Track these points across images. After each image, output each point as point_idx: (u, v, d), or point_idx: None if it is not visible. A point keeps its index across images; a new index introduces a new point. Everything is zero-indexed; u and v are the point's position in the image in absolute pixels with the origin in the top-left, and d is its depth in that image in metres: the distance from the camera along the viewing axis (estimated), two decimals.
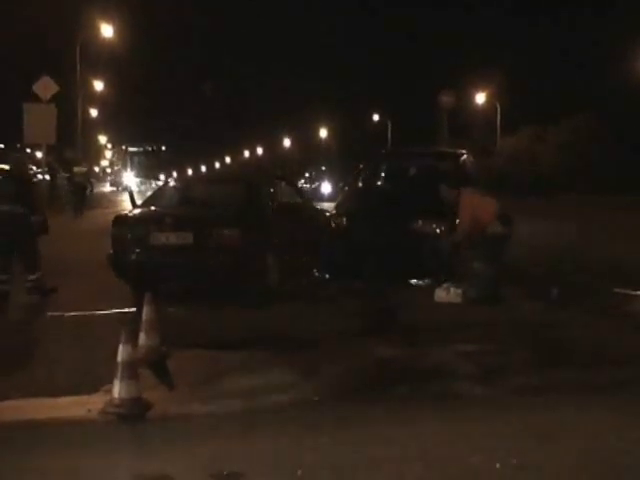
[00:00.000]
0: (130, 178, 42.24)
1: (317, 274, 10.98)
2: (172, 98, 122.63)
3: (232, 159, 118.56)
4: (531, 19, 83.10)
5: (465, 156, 13.47)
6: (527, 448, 4.60)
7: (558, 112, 54.51)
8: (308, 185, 47.97)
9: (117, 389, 5.26)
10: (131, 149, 46.23)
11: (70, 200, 29.70)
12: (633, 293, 9.34)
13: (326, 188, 48.47)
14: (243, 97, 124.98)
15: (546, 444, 4.68)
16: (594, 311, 8.74)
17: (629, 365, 6.59)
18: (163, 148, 48.35)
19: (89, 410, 5.28)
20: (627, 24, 43.95)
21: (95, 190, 45.81)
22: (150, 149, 47.62)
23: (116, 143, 61.30)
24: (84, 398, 5.54)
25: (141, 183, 40.13)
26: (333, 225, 11.44)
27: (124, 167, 43.16)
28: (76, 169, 32.61)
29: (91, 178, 39.10)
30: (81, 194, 30.39)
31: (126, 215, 10.03)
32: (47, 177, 31.26)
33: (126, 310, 8.49)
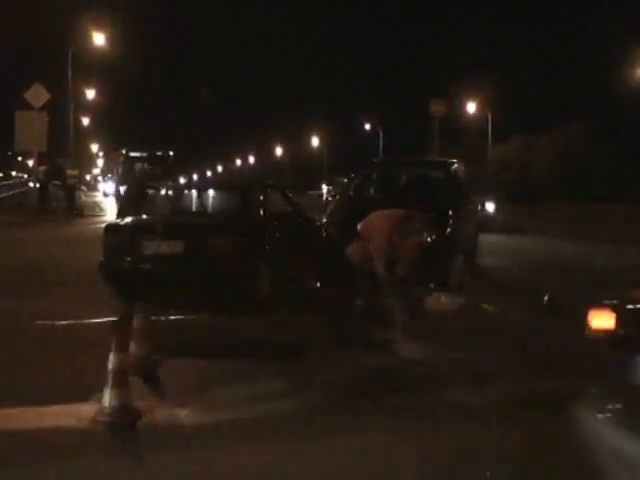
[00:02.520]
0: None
1: (308, 282, 10.95)
2: (166, 105, 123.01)
3: (224, 167, 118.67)
4: (524, 26, 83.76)
5: (456, 165, 13.52)
6: (519, 456, 4.60)
7: (550, 119, 54.87)
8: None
9: (108, 398, 5.25)
10: (133, 154, 38.39)
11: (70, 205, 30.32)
12: None
13: None
14: (235, 104, 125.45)
15: (540, 452, 4.68)
16: (585, 319, 8.72)
17: None
18: (171, 153, 40.29)
19: (79, 419, 5.26)
20: (622, 30, 44.23)
21: (86, 198, 45.71)
22: (157, 154, 39.65)
23: (111, 149, 57.67)
24: (74, 407, 5.52)
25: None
26: (324, 234, 11.44)
27: (124, 176, 35.30)
28: (69, 172, 33.18)
29: (81, 185, 39.26)
30: (72, 196, 31.07)
31: (117, 223, 10.02)
32: (37, 185, 31.15)
33: (117, 318, 8.45)
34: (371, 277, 9.18)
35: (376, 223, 9.47)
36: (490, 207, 25.24)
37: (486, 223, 23.08)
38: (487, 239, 19.22)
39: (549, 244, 20.54)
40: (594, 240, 20.84)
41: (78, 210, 30.68)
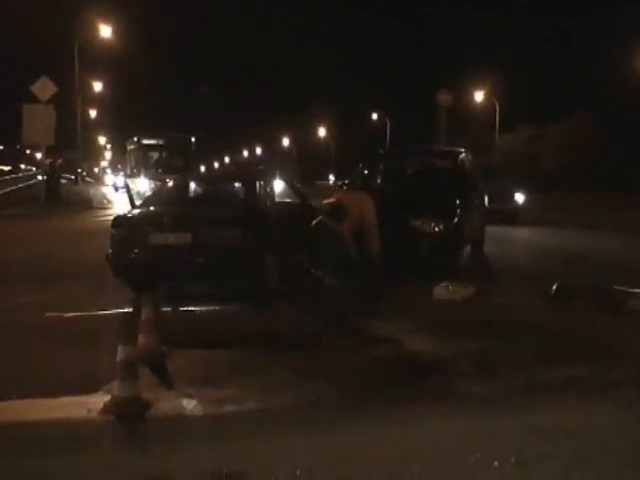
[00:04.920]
0: (143, 183, 28.96)
1: (316, 273, 10.96)
2: (172, 98, 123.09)
3: (231, 159, 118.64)
4: (531, 16, 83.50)
5: (463, 154, 13.47)
6: (527, 446, 4.60)
7: (558, 110, 54.69)
8: None
9: (116, 389, 5.27)
10: (146, 141, 30.61)
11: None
12: (632, 290, 9.34)
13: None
14: (241, 96, 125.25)
15: (546, 442, 4.68)
16: (594, 308, 8.74)
17: (630, 363, 6.59)
18: (193, 139, 30.62)
19: (89, 410, 5.28)
20: (627, 21, 44.02)
21: (94, 190, 45.81)
22: (176, 141, 30.76)
23: (122, 140, 54.59)
24: (84, 398, 5.54)
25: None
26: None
27: (137, 168, 30.35)
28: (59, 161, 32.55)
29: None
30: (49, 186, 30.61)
31: (125, 215, 10.04)
32: (44, 178, 31.25)
33: (125, 310, 8.49)
34: (364, 256, 9.36)
35: (364, 204, 9.65)
36: (520, 198, 23.83)
37: (515, 215, 22.37)
38: (512, 233, 19.10)
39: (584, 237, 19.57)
40: (620, 231, 20.47)
41: (54, 200, 29.50)
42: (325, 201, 10.16)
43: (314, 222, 9.66)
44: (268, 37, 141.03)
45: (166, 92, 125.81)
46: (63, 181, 37.78)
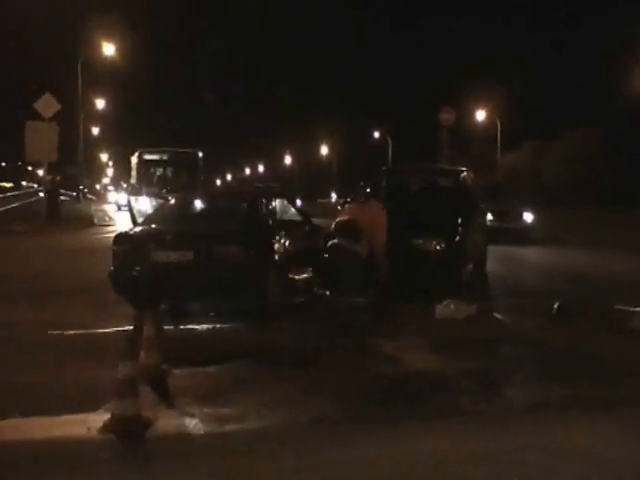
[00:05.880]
0: (145, 201, 24.85)
1: (318, 291, 10.94)
2: (173, 114, 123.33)
3: (233, 176, 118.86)
4: (531, 34, 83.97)
5: (465, 173, 13.50)
6: (529, 464, 4.58)
7: (560, 126, 54.84)
8: None
9: (117, 407, 5.25)
10: (149, 157, 29.76)
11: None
12: (634, 310, 9.32)
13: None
14: (244, 112, 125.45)
15: (549, 460, 4.65)
16: (596, 327, 8.73)
17: (632, 382, 6.57)
18: (200, 154, 29.46)
19: (88, 428, 5.26)
20: (628, 36, 44.16)
21: (96, 208, 45.87)
22: (181, 156, 30.16)
23: (124, 157, 52.87)
24: (84, 416, 5.52)
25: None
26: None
27: (138, 185, 29.38)
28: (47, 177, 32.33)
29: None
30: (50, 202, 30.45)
31: (127, 233, 10.04)
32: (46, 195, 31.23)
33: (126, 328, 8.47)
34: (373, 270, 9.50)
35: (377, 217, 9.74)
36: (528, 217, 22.98)
37: (525, 235, 21.81)
38: (519, 252, 18.95)
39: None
40: (624, 248, 20.24)
41: (56, 217, 29.41)
42: (338, 218, 10.13)
43: (329, 244, 9.65)
44: (270, 38, 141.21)
45: (167, 98, 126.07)
46: (62, 198, 37.81)
